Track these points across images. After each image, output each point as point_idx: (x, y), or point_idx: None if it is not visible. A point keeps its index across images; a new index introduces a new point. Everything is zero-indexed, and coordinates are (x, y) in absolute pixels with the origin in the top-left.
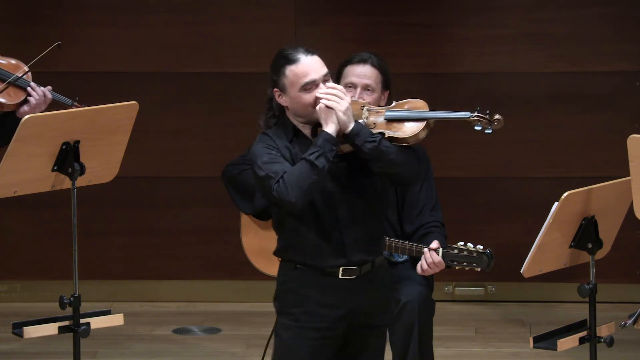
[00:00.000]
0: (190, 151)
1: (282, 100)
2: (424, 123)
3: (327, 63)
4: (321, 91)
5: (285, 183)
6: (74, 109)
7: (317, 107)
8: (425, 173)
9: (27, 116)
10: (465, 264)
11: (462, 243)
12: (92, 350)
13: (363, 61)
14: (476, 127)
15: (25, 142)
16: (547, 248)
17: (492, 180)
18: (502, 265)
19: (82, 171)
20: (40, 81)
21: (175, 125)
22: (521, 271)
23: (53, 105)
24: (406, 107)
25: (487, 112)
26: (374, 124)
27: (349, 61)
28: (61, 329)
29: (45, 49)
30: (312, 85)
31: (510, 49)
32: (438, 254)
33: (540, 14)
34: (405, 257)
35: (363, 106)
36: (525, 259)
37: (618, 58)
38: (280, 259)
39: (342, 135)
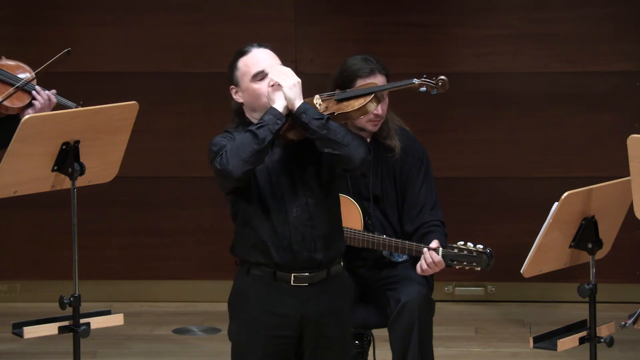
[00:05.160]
0: (190, 151)
1: (238, 97)
2: (371, 95)
3: (327, 63)
4: (270, 74)
5: (227, 154)
6: (74, 109)
7: (267, 91)
8: (425, 172)
9: (27, 116)
10: (465, 263)
11: (462, 242)
12: (92, 350)
13: (372, 72)
14: (421, 89)
15: (25, 142)
16: (547, 248)
17: (491, 180)
18: (502, 265)
19: (82, 171)
20: (41, 81)
21: (175, 125)
22: (521, 271)
23: (57, 108)
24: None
25: (424, 76)
26: (327, 107)
27: (357, 74)
28: (61, 329)
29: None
30: (262, 74)
31: (510, 49)
32: (438, 254)
33: (540, 14)
34: (405, 257)
35: (315, 96)
36: (525, 259)
37: (618, 58)
38: (236, 262)
39: (291, 118)
